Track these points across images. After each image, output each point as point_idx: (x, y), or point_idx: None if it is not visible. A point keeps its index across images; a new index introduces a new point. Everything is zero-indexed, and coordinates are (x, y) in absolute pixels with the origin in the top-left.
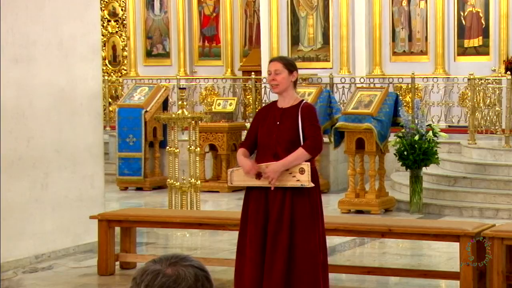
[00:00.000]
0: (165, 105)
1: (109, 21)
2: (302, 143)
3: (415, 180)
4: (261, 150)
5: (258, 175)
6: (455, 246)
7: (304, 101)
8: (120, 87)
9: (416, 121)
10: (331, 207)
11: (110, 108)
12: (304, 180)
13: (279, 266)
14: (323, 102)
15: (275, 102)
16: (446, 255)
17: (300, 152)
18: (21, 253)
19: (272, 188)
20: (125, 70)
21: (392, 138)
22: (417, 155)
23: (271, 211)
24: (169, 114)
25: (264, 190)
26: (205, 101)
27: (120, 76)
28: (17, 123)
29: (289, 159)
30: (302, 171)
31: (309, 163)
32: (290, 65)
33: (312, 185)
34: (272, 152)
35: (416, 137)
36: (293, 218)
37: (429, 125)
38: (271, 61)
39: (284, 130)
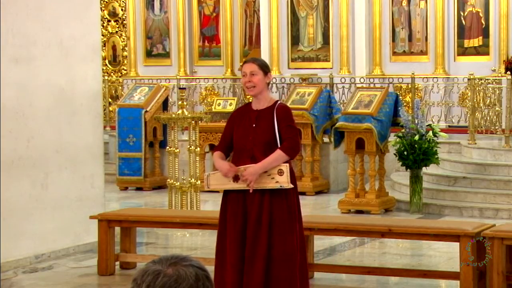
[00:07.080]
0: (165, 105)
1: (109, 21)
2: (278, 145)
3: (415, 180)
4: (238, 153)
5: (236, 178)
6: (455, 246)
7: (279, 102)
8: (120, 87)
9: (416, 121)
10: (331, 207)
11: (110, 108)
12: (283, 181)
13: (259, 268)
14: (323, 102)
15: (249, 103)
16: (446, 255)
17: (278, 154)
18: (21, 253)
19: (251, 191)
20: (125, 70)
21: (392, 138)
22: (417, 155)
23: (250, 213)
24: (169, 114)
25: (242, 192)
26: (205, 101)
27: (120, 76)
28: (17, 123)
29: (267, 161)
30: (280, 173)
31: (287, 164)
32: (265, 67)
33: (291, 186)
34: (249, 155)
35: (416, 137)
36: (271, 220)
37: (429, 125)
38: (245, 62)
39: (260, 132)
